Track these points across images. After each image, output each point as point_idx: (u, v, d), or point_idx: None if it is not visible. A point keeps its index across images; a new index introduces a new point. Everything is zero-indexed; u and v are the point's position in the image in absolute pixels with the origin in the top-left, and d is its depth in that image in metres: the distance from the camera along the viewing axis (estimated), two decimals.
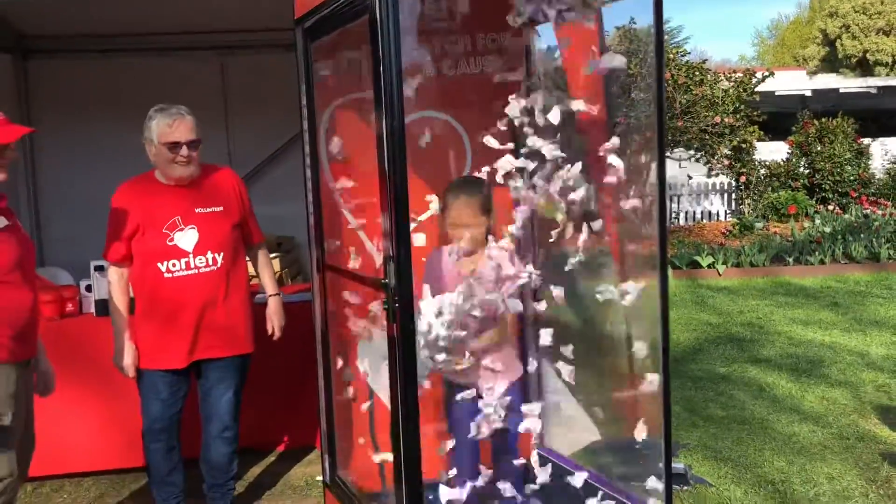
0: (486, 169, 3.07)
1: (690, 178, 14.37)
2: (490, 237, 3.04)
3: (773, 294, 8.51)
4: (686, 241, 11.75)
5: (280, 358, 3.82)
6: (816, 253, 9.85)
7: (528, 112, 2.99)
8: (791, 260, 9.79)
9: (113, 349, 3.32)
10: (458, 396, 3.04)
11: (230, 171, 3.54)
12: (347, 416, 3.36)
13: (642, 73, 2.93)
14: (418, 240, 2.76)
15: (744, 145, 13.31)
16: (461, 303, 2.82)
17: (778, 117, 14.79)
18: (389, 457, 2.50)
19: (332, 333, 3.27)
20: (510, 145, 3.06)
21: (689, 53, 14.16)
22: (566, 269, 3.00)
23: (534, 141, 2.96)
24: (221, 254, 3.30)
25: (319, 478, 3.74)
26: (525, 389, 3.34)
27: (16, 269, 2.69)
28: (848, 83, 18.06)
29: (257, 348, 3.48)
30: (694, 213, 14.66)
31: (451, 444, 3.13)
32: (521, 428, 3.10)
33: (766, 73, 12.78)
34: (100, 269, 3.81)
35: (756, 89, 12.44)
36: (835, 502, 3.66)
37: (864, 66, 29.52)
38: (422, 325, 2.74)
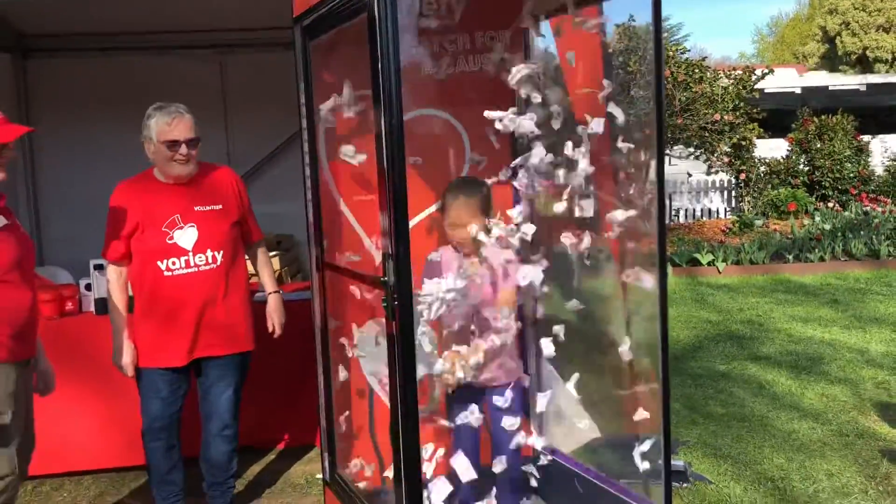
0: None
1: (690, 175, 14.37)
2: (485, 235, 3.03)
3: (773, 291, 8.51)
4: (686, 238, 11.76)
5: (280, 356, 3.82)
6: (816, 250, 9.85)
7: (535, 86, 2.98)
8: (791, 257, 9.79)
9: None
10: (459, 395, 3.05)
11: (229, 169, 3.54)
12: (347, 414, 3.36)
13: (641, 71, 2.93)
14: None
15: (743, 143, 13.31)
16: (458, 286, 2.81)
17: (776, 114, 14.77)
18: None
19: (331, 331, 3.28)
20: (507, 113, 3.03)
21: (689, 51, 14.15)
22: (567, 264, 3.01)
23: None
24: (221, 252, 3.30)
25: (319, 476, 3.74)
26: (526, 390, 3.34)
27: (15, 268, 2.69)
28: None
29: (257, 347, 3.48)
30: (694, 210, 14.66)
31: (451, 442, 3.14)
32: (513, 444, 3.12)
33: (766, 71, 12.77)
34: (99, 267, 3.81)
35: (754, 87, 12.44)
36: (834, 499, 3.66)
37: (863, 63, 29.52)
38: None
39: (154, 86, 4.56)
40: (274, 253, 4.92)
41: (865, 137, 14.46)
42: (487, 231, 3.02)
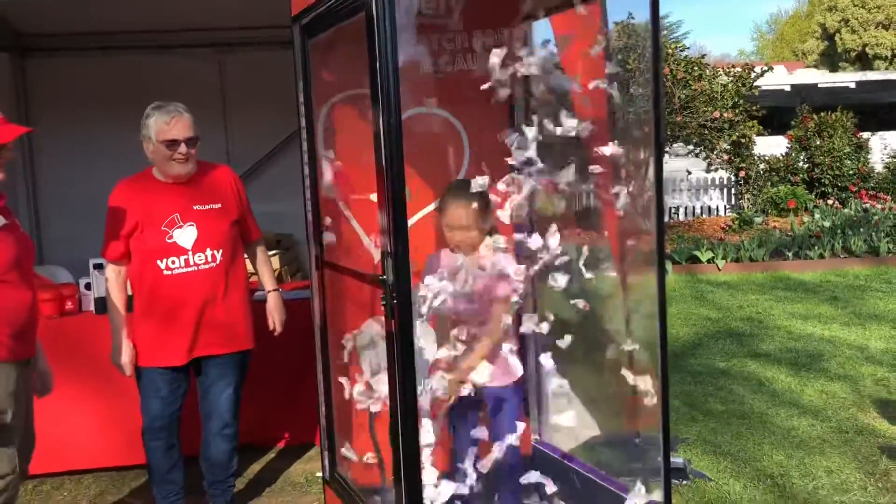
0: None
1: (689, 172, 14.36)
2: (487, 239, 3.04)
3: (773, 288, 8.51)
4: (685, 236, 11.75)
5: (280, 355, 3.83)
6: (816, 247, 9.85)
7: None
8: (790, 254, 9.79)
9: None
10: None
11: (227, 168, 3.54)
12: (347, 412, 3.37)
13: (640, 69, 2.93)
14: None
15: (743, 140, 13.30)
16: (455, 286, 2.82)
17: (775, 112, 14.76)
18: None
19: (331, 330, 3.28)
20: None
21: (689, 48, 14.14)
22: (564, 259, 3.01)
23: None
24: (220, 251, 3.30)
25: (319, 474, 3.75)
26: (525, 390, 3.35)
27: (14, 267, 2.69)
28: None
29: (257, 345, 3.48)
30: (693, 208, 14.65)
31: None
32: (513, 444, 3.12)
33: (765, 68, 12.76)
34: (99, 267, 3.81)
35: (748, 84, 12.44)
36: (833, 495, 3.67)
37: (863, 60, 29.51)
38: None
39: (153, 85, 4.56)
40: (273, 252, 4.92)
41: (865, 134, 14.44)
42: (490, 236, 3.04)
